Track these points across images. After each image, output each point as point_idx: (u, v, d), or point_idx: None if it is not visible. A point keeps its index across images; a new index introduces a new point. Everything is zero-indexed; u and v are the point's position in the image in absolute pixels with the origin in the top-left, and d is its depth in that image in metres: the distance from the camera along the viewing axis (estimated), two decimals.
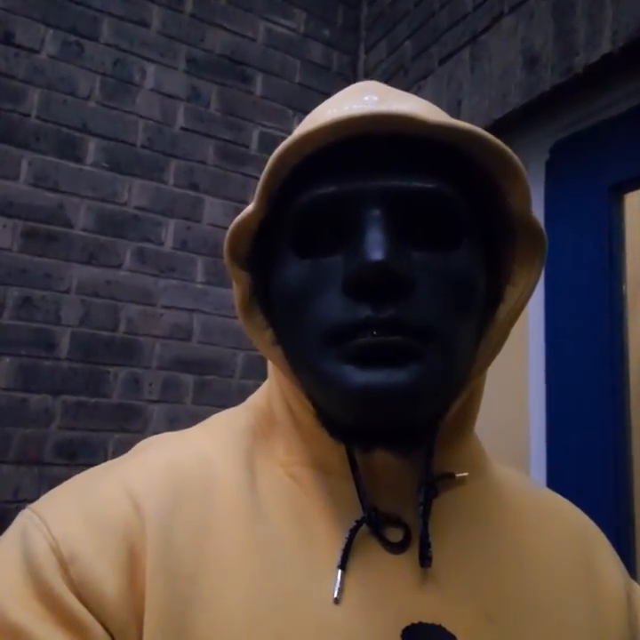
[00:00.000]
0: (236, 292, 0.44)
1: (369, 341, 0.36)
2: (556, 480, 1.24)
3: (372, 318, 0.36)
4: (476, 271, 0.41)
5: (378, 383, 0.36)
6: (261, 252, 0.44)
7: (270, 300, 0.44)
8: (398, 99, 0.43)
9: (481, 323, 0.43)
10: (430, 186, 0.39)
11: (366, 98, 0.42)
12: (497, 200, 0.42)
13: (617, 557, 0.50)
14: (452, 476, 0.44)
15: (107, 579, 0.35)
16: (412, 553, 0.40)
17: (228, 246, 0.42)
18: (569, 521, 0.50)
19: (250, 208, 0.41)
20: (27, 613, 0.33)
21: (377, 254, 0.35)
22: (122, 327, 1.59)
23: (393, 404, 0.36)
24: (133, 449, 0.47)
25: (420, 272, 0.38)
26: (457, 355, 0.39)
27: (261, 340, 0.45)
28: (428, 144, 0.40)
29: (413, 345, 0.37)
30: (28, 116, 1.53)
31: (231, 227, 0.42)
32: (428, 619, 0.38)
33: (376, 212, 0.38)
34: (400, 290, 0.37)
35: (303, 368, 0.41)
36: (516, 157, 0.39)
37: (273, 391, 0.48)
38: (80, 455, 1.50)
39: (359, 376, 0.36)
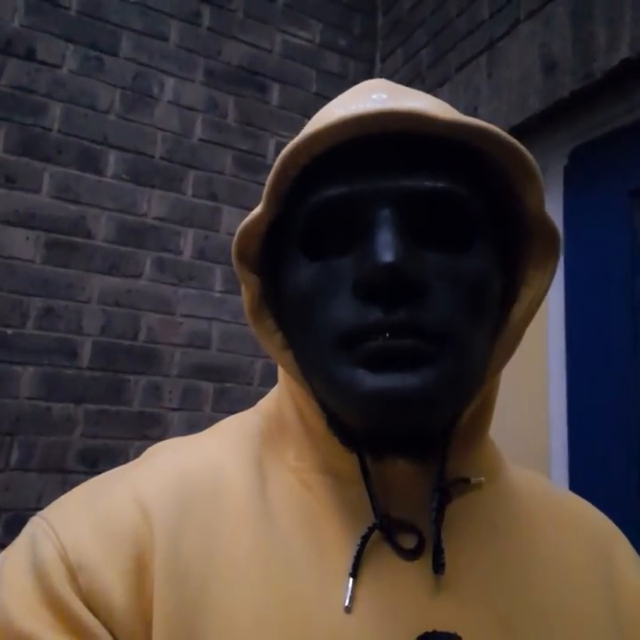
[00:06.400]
0: (244, 295, 0.43)
1: (380, 345, 0.36)
2: (577, 480, 1.23)
3: (382, 321, 0.35)
4: (490, 272, 0.40)
5: (390, 388, 0.35)
6: (271, 254, 0.43)
7: (280, 304, 0.43)
8: (408, 96, 0.42)
9: (495, 324, 0.42)
10: (441, 185, 0.38)
11: (375, 96, 0.41)
12: (511, 200, 0.41)
13: (638, 559, 0.49)
14: (466, 480, 0.43)
15: (115, 586, 0.35)
16: (426, 560, 0.39)
17: (236, 248, 0.41)
18: (587, 524, 0.49)
19: (258, 209, 0.40)
20: (34, 621, 0.33)
21: (388, 256, 0.35)
22: (142, 336, 1.61)
23: (406, 409, 0.35)
24: (143, 454, 0.46)
25: (433, 274, 0.37)
26: (471, 357, 0.38)
27: (271, 343, 0.44)
28: (441, 143, 0.39)
29: (426, 348, 0.36)
30: (50, 129, 1.57)
31: (240, 228, 0.41)
32: (442, 627, 0.37)
33: (386, 213, 0.37)
34: (412, 292, 0.36)
35: (314, 372, 0.40)
36: (530, 155, 0.38)
37: (283, 395, 0.47)
38: (102, 462, 1.51)
39: (371, 380, 0.36)
